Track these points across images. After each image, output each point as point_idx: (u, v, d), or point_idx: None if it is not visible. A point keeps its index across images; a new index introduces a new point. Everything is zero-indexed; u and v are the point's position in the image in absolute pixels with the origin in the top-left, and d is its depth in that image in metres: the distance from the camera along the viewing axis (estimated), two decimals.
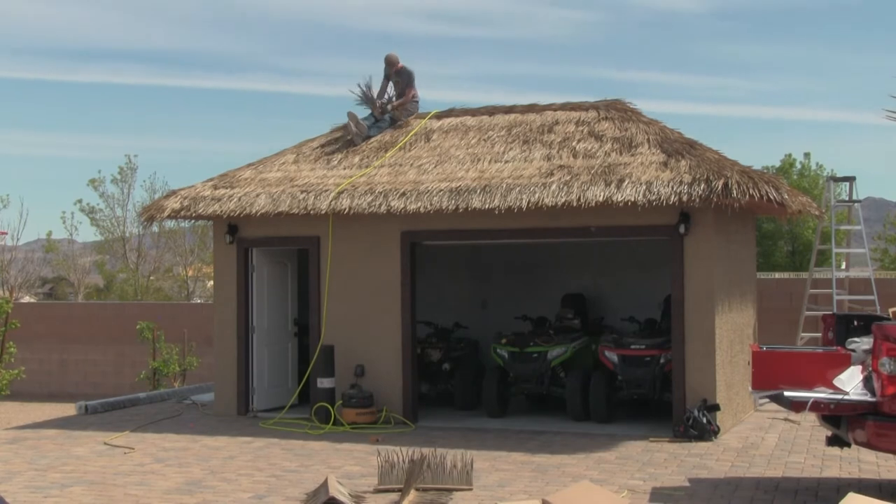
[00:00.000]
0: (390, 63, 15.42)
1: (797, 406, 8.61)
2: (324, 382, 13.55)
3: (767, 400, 8.90)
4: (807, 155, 47.80)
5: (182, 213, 14.29)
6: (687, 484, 9.72)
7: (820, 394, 8.58)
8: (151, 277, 36.93)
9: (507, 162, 13.47)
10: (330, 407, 13.27)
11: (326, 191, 13.58)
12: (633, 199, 11.97)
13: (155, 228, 25.86)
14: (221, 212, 13.94)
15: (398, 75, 15.44)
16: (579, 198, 12.22)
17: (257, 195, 13.87)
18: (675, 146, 12.83)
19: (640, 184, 12.10)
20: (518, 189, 12.58)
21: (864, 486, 9.33)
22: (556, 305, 15.14)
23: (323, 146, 15.07)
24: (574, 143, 13.50)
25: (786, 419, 13.28)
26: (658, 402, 13.35)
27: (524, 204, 12.41)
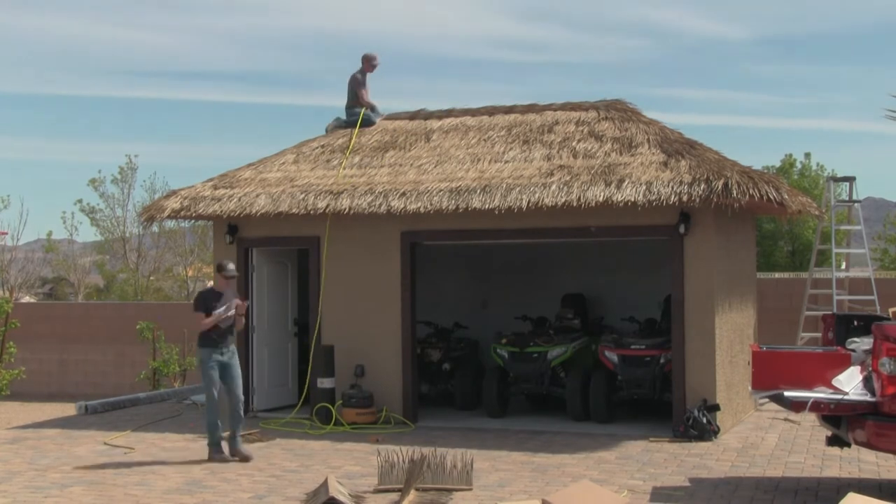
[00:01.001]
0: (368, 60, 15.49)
1: (797, 406, 8.61)
2: (324, 382, 13.56)
3: (767, 400, 8.89)
4: (807, 155, 47.74)
5: (182, 213, 14.30)
6: (687, 484, 9.72)
7: (820, 394, 8.58)
8: (151, 277, 36.93)
9: (507, 162, 13.47)
10: (331, 407, 13.26)
11: (326, 191, 13.58)
12: (633, 199, 11.97)
13: (155, 228, 25.83)
14: (221, 212, 13.94)
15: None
16: (579, 198, 12.22)
17: (257, 195, 13.87)
18: (675, 146, 12.83)
19: (640, 184, 12.10)
20: (518, 189, 12.58)
21: (864, 486, 9.32)
22: (556, 305, 15.14)
23: (323, 146, 15.07)
24: (574, 143, 13.50)
25: (786, 419, 13.28)
26: (658, 402, 13.34)
27: (524, 204, 12.41)
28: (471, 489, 9.45)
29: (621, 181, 12.23)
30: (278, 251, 14.86)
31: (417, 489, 9.25)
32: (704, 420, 11.99)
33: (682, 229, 12.35)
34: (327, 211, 13.35)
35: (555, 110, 14.59)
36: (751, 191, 11.78)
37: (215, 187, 14.41)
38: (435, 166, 13.73)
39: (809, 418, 12.10)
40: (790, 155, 47.88)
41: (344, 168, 14.08)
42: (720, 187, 11.69)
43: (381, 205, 13.10)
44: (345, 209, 13.26)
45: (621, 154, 12.97)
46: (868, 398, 8.48)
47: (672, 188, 11.92)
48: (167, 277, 38.36)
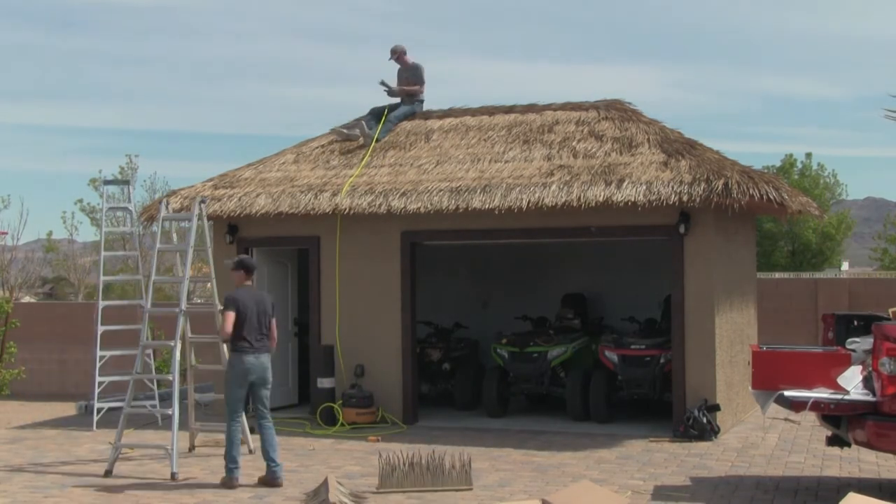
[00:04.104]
0: (394, 52, 15.38)
1: (797, 406, 8.61)
2: (324, 382, 13.56)
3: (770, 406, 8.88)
4: (808, 155, 47.78)
5: (182, 212, 14.29)
6: (687, 483, 9.72)
7: (820, 394, 8.58)
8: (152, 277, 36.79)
9: (507, 162, 13.47)
10: (338, 408, 13.24)
11: (326, 191, 13.58)
12: (633, 199, 11.97)
13: (155, 228, 25.76)
14: (221, 212, 13.95)
15: (406, 70, 15.42)
16: (579, 198, 12.22)
17: (257, 195, 13.87)
18: (675, 146, 12.83)
19: (640, 184, 12.10)
20: (518, 189, 12.58)
21: (864, 486, 9.32)
22: (556, 305, 15.14)
23: (323, 146, 15.07)
24: (574, 143, 13.50)
25: (786, 419, 13.28)
26: (658, 402, 13.35)
27: (524, 204, 12.40)
28: (471, 489, 9.45)
29: (621, 181, 12.22)
30: (278, 251, 14.85)
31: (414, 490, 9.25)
32: (704, 420, 11.99)
33: (682, 229, 12.34)
34: (331, 211, 13.35)
35: (555, 110, 14.58)
36: (751, 191, 11.77)
37: (215, 187, 14.41)
38: (435, 166, 13.73)
39: (809, 418, 12.09)
40: (790, 155, 47.96)
41: (360, 168, 14.06)
42: (720, 187, 11.69)
43: (381, 205, 13.10)
44: (345, 209, 13.26)
45: (621, 154, 12.96)
46: (868, 398, 8.48)
47: (672, 188, 11.92)
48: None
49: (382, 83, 15.24)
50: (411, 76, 15.37)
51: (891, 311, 9.84)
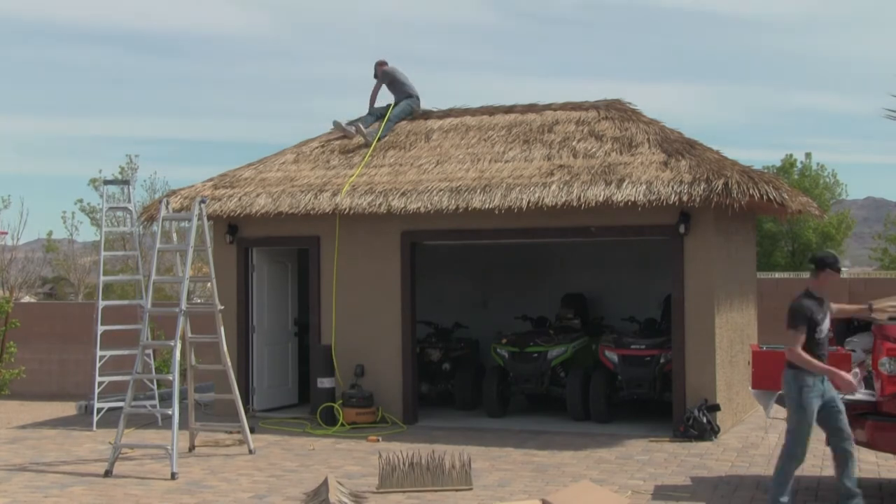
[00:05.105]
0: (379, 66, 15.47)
1: None
2: (324, 382, 13.56)
3: (772, 406, 8.86)
4: (808, 155, 47.86)
5: (182, 212, 14.29)
6: (687, 483, 9.72)
7: None
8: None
9: (507, 162, 13.47)
10: (338, 408, 13.24)
11: (326, 191, 13.58)
12: (633, 199, 11.97)
13: (155, 228, 25.77)
14: (221, 212, 13.95)
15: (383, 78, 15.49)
16: (579, 197, 12.22)
17: (257, 195, 13.87)
18: (675, 146, 12.83)
19: (640, 183, 12.10)
20: (518, 189, 12.58)
21: (864, 486, 9.32)
22: (556, 305, 15.13)
23: (323, 146, 15.07)
24: (574, 143, 13.49)
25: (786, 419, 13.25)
26: (658, 402, 13.34)
27: (524, 204, 12.40)
28: (471, 489, 9.45)
29: (621, 181, 12.22)
30: (278, 251, 14.86)
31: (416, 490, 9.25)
32: (704, 420, 11.99)
33: (682, 229, 12.34)
34: (331, 211, 13.35)
35: (555, 110, 14.57)
36: (751, 191, 11.77)
37: (215, 187, 14.42)
38: (435, 166, 13.73)
39: None
40: (790, 155, 47.99)
41: (361, 167, 14.06)
42: (720, 187, 11.69)
43: (381, 204, 13.10)
44: (345, 209, 13.26)
45: (621, 154, 12.96)
46: (868, 398, 8.48)
47: (672, 188, 11.92)
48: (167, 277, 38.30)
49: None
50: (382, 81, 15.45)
51: (871, 303, 9.49)
